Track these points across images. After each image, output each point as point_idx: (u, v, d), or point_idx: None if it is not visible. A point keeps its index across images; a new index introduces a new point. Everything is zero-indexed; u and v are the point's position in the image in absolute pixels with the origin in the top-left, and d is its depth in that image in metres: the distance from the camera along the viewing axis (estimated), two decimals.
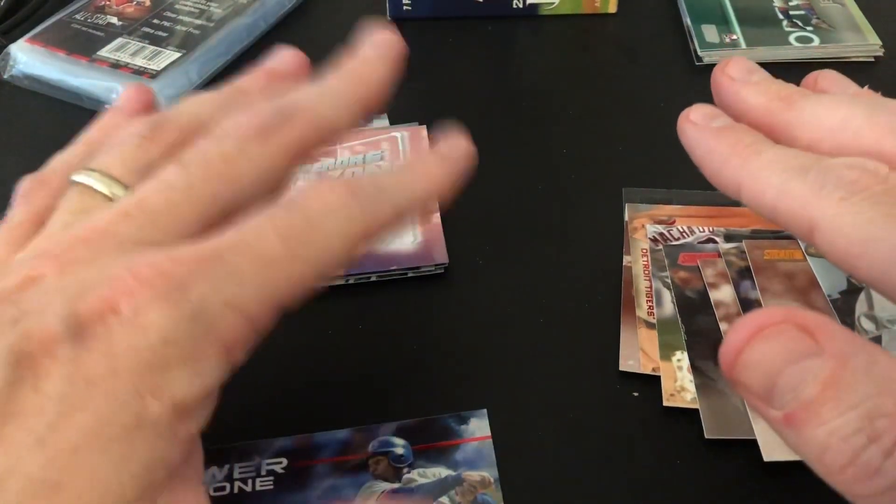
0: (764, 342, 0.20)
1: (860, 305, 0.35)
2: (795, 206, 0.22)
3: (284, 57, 0.32)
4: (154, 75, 0.48)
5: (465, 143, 0.28)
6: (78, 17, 0.54)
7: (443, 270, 0.38)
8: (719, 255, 0.38)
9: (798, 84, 0.27)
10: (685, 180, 0.43)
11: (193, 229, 0.23)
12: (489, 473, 0.31)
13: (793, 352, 0.19)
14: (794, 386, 0.19)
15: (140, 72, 0.49)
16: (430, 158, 0.27)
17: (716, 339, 0.35)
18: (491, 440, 0.32)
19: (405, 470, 0.31)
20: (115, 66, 0.49)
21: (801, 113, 0.24)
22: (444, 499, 0.30)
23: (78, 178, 0.25)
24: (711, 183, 0.25)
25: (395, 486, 0.30)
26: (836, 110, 0.24)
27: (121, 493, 0.19)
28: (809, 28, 0.52)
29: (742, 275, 0.37)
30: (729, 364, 0.20)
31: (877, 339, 0.34)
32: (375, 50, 0.30)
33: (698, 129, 0.25)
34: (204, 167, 0.24)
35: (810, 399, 0.18)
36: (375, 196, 0.24)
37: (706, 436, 0.32)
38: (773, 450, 0.31)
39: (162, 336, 0.20)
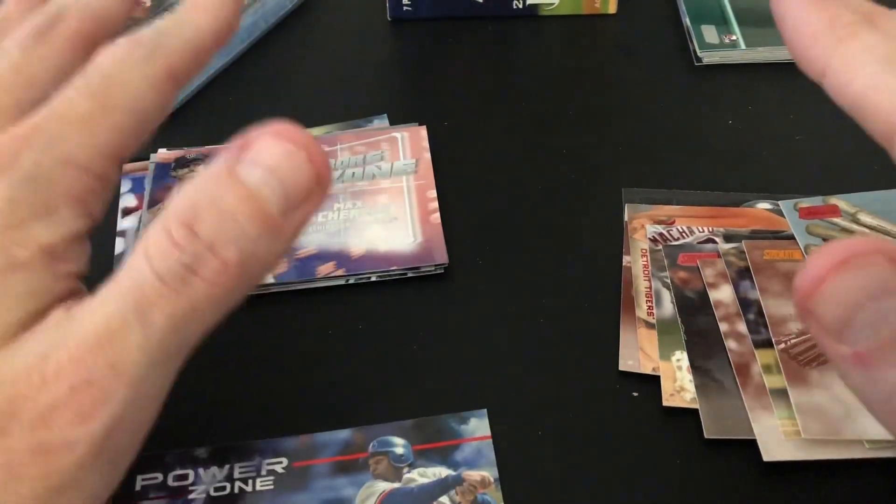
0: (851, 273, 0.18)
1: None
2: (885, 102, 0.20)
3: None
4: None
5: None
6: None
7: (443, 270, 0.39)
8: (719, 256, 0.38)
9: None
10: (685, 180, 0.43)
11: (13, 114, 0.25)
12: (489, 473, 0.31)
13: (879, 287, 0.18)
14: (873, 323, 0.18)
15: None
16: None
17: (715, 339, 0.35)
18: (491, 440, 0.32)
19: (405, 470, 0.31)
20: None
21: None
22: (444, 499, 0.30)
23: None
24: (796, 60, 0.23)
25: (395, 485, 0.31)
26: None
27: (6, 318, 0.22)
28: None
29: (741, 275, 0.37)
30: (806, 292, 0.18)
31: None
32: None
33: (796, 5, 0.23)
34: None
35: (890, 339, 0.17)
36: (158, 37, 0.25)
37: (706, 436, 0.32)
38: (772, 450, 0.31)
39: (7, 198, 0.23)
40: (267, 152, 0.21)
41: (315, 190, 0.22)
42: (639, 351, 0.35)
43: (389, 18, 0.55)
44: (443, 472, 0.31)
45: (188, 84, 0.27)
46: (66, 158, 0.23)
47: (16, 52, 0.26)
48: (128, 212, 0.41)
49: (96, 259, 0.25)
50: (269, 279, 0.38)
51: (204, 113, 0.48)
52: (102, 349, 0.21)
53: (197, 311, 0.21)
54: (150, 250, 0.21)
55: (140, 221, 0.41)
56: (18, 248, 0.23)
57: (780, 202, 0.40)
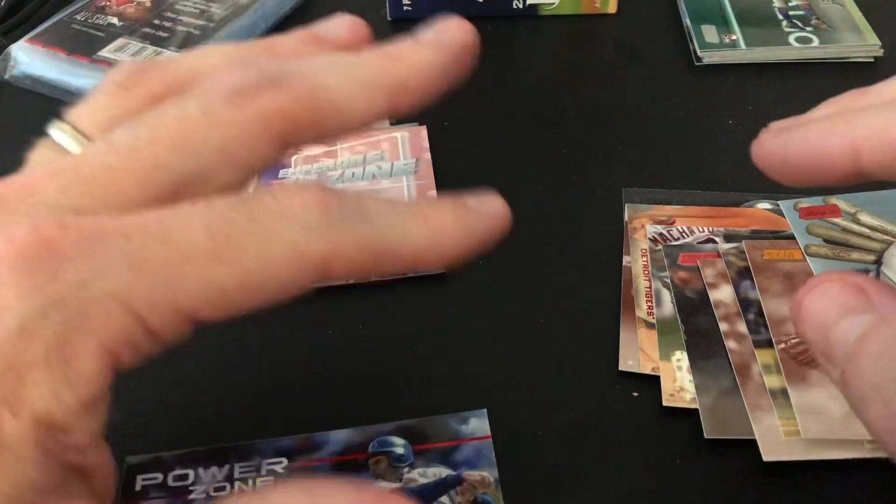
0: (818, 294, 0.21)
1: None
2: None
3: (340, 22, 0.25)
4: None
5: (500, 206, 0.23)
6: (78, 17, 0.54)
7: (443, 271, 0.39)
8: (719, 256, 0.38)
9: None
10: (685, 180, 0.43)
11: (134, 203, 0.19)
12: (489, 473, 0.31)
13: (844, 306, 0.20)
14: (845, 341, 0.19)
15: None
16: (450, 208, 0.21)
17: (715, 339, 0.35)
18: (491, 440, 0.32)
19: (405, 470, 0.31)
20: (115, 65, 0.49)
21: (874, 91, 0.23)
22: (444, 499, 0.30)
23: (49, 128, 0.22)
24: (817, 173, 0.23)
25: (395, 485, 0.31)
26: None
27: None
28: (809, 28, 0.52)
29: (741, 275, 0.37)
30: (794, 316, 0.21)
31: None
32: (434, 34, 0.24)
33: (782, 129, 0.24)
34: (155, 129, 0.19)
35: (853, 353, 0.19)
36: (355, 219, 0.19)
37: (706, 436, 0.32)
38: (772, 450, 0.31)
39: (18, 323, 0.16)
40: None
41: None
42: (639, 351, 0.35)
43: (389, 18, 0.55)
44: (443, 472, 0.31)
45: None
46: (123, 294, 0.17)
47: (196, 101, 0.20)
48: None
49: None
50: None
51: None
52: None
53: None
54: None
55: None
56: (7, 416, 0.16)
57: (780, 202, 0.40)
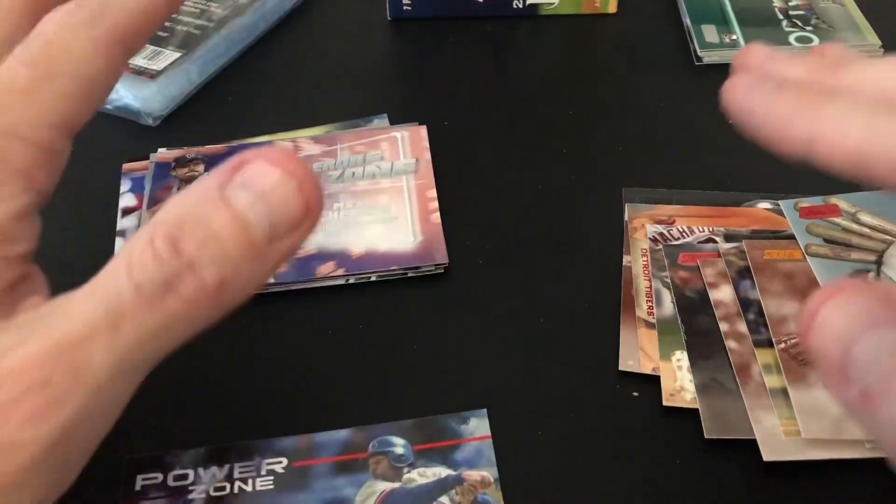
0: (841, 303, 0.18)
1: None
2: (887, 146, 0.20)
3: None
4: (154, 75, 0.49)
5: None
6: None
7: (443, 270, 0.39)
8: (719, 255, 0.38)
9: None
10: (685, 180, 0.43)
11: None
12: (489, 473, 0.31)
13: (871, 319, 0.18)
14: (871, 357, 0.17)
15: (140, 72, 0.49)
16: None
17: (715, 339, 0.35)
18: (491, 440, 0.32)
19: (405, 470, 0.31)
20: None
21: (851, 74, 0.22)
22: (444, 499, 0.30)
23: None
24: (772, 143, 0.23)
25: (395, 485, 0.30)
26: (888, 67, 0.22)
27: None
28: (809, 28, 0.52)
29: (742, 275, 0.37)
30: (805, 327, 0.19)
31: None
32: None
33: (754, 88, 0.23)
34: None
35: (889, 374, 0.17)
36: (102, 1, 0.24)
37: (706, 436, 0.32)
38: (773, 450, 0.31)
39: None
40: (258, 177, 0.21)
41: (304, 221, 0.21)
42: (639, 351, 0.35)
43: (389, 18, 0.55)
44: (443, 472, 0.31)
45: (137, 47, 0.26)
46: (7, 130, 0.22)
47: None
48: (127, 211, 0.41)
49: (96, 259, 0.25)
50: (269, 279, 0.38)
51: (203, 113, 0.48)
52: (66, 352, 0.20)
53: (169, 327, 0.21)
54: (131, 259, 0.20)
55: (140, 221, 0.41)
56: None
57: (780, 202, 0.40)
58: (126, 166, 0.44)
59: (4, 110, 0.22)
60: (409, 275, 0.38)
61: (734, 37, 0.52)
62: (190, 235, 0.20)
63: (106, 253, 0.40)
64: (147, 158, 0.44)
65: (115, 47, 0.24)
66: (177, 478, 0.31)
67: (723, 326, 0.35)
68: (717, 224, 0.40)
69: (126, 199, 0.42)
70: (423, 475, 0.31)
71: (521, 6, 0.55)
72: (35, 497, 0.21)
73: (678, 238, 0.39)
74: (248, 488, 0.31)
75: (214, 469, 0.31)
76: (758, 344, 0.34)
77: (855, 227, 0.38)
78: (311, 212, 0.21)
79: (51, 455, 0.20)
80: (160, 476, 0.31)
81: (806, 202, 0.40)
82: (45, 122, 0.23)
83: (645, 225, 0.40)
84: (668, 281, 0.37)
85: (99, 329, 0.20)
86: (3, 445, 0.20)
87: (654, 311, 0.36)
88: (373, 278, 0.38)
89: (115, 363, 0.20)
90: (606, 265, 0.39)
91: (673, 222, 0.40)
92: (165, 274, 0.20)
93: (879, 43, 0.51)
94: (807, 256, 0.37)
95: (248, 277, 0.21)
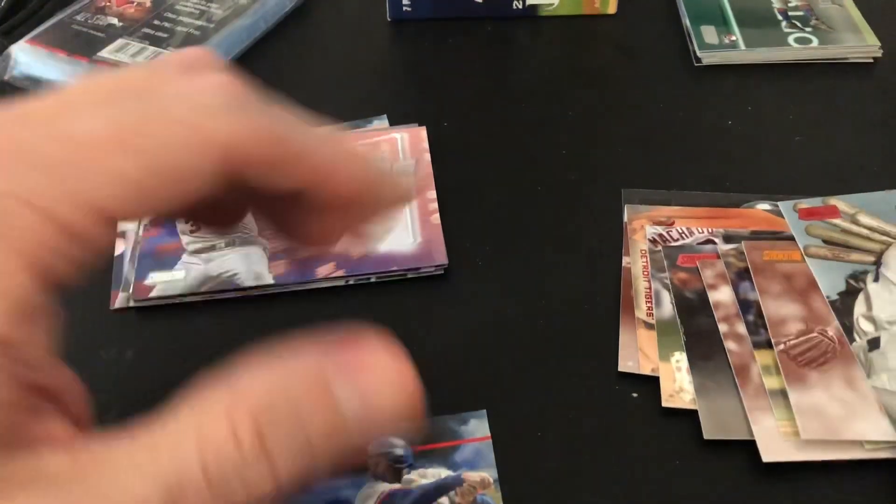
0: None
1: (859, 306, 0.35)
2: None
3: None
4: None
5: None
6: (78, 17, 0.54)
7: (443, 271, 0.39)
8: (718, 257, 0.38)
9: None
10: (684, 181, 0.43)
11: None
12: (489, 474, 0.31)
13: None
14: None
15: None
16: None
17: (715, 340, 0.35)
18: (490, 440, 0.32)
19: (405, 470, 0.31)
20: (116, 66, 0.49)
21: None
22: (444, 499, 0.30)
23: None
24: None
25: (395, 486, 0.31)
26: None
27: None
28: (808, 29, 0.52)
29: (741, 276, 0.37)
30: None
31: (875, 340, 0.34)
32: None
33: None
34: None
35: None
36: (259, 111, 0.20)
37: (705, 436, 0.32)
38: (771, 450, 0.31)
39: None
40: (373, 380, 0.18)
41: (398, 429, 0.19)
42: (638, 352, 0.35)
43: (389, 19, 0.55)
44: (442, 472, 0.31)
45: None
46: (24, 195, 0.16)
47: None
48: None
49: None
50: (270, 280, 0.38)
51: None
52: None
53: None
54: (206, 439, 0.17)
55: (139, 222, 0.41)
56: None
57: (779, 203, 0.40)
58: None
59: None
60: (409, 276, 0.38)
61: (733, 38, 0.52)
62: (280, 425, 0.17)
63: (104, 255, 0.40)
64: None
65: (223, 167, 0.18)
66: None
67: (722, 328, 0.35)
68: (717, 225, 0.40)
69: None
70: (423, 476, 0.31)
71: (520, 7, 0.55)
72: None
73: (677, 239, 0.39)
74: None
75: None
76: (757, 345, 0.34)
77: (854, 228, 0.38)
78: (413, 423, 0.19)
79: None
80: None
81: (805, 203, 0.40)
82: (83, 198, 0.17)
83: (644, 226, 0.40)
84: (668, 282, 0.37)
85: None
86: None
87: (654, 312, 0.36)
88: (373, 279, 0.38)
89: None
90: (606, 266, 0.39)
91: (672, 223, 0.40)
92: (243, 467, 0.17)
93: (879, 44, 0.51)
94: (806, 258, 0.37)
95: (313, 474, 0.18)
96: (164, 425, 0.17)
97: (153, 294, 0.38)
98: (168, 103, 0.18)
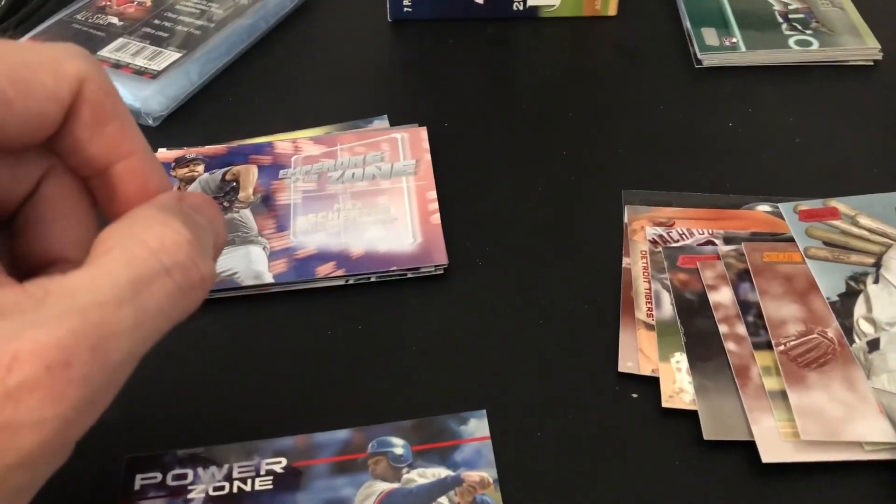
0: None
1: (859, 308, 0.35)
2: None
3: None
4: (155, 75, 0.49)
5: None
6: (79, 17, 0.54)
7: (442, 271, 0.39)
8: (718, 258, 0.38)
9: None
10: (685, 182, 0.43)
11: None
12: (488, 473, 0.31)
13: None
14: None
15: (141, 72, 0.49)
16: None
17: (715, 341, 0.35)
18: (490, 440, 0.32)
19: (404, 470, 0.31)
20: (116, 66, 0.49)
21: None
22: (443, 499, 0.30)
23: None
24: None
25: (395, 486, 0.31)
26: None
27: None
28: (809, 31, 0.52)
29: (741, 277, 0.37)
30: None
31: (875, 342, 0.34)
32: None
33: None
34: None
35: None
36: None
37: (705, 437, 0.32)
38: (771, 451, 0.31)
39: None
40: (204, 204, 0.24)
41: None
42: (638, 352, 0.35)
43: (390, 19, 0.55)
44: (442, 472, 0.31)
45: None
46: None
47: None
48: None
49: None
50: (269, 279, 0.38)
51: (204, 113, 0.48)
52: (88, 332, 0.20)
53: (177, 309, 0.22)
54: (151, 241, 0.21)
55: None
56: None
57: (779, 204, 0.40)
58: None
59: None
60: (409, 275, 0.38)
61: (734, 40, 0.52)
62: (200, 227, 0.23)
63: None
64: None
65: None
66: (176, 477, 0.31)
67: (722, 328, 0.35)
68: (717, 226, 0.40)
69: None
70: (423, 476, 0.31)
71: (521, 8, 0.55)
72: (40, 475, 0.21)
73: (678, 240, 0.39)
74: (248, 488, 0.31)
75: (213, 469, 0.31)
76: (757, 346, 0.34)
77: (854, 229, 0.38)
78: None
79: (65, 433, 0.20)
80: (159, 476, 0.31)
81: (805, 205, 0.40)
82: None
83: (644, 227, 0.40)
84: (668, 283, 0.37)
85: (124, 308, 0.20)
86: (23, 423, 0.20)
87: (654, 312, 0.36)
88: (372, 279, 0.38)
89: (135, 343, 0.21)
90: (606, 267, 0.39)
91: (672, 224, 0.40)
92: (189, 249, 0.22)
93: (879, 46, 0.51)
94: (806, 259, 0.37)
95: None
96: (103, 254, 0.21)
97: None
98: (28, 46, 0.22)
